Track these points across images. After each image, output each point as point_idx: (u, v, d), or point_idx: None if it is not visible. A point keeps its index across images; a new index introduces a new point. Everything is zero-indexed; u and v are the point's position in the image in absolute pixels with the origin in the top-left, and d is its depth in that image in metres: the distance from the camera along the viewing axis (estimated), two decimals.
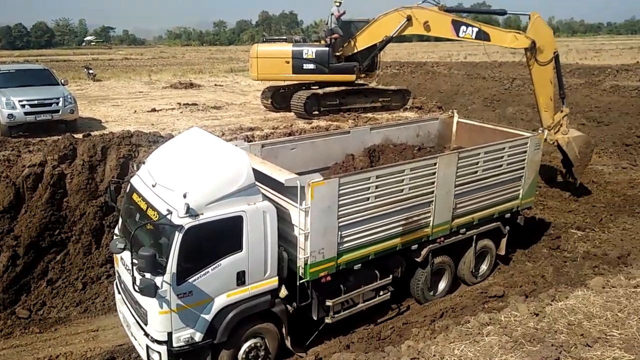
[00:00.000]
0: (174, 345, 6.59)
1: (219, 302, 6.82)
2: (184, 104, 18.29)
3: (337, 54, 15.69)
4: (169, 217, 6.29)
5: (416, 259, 9.15)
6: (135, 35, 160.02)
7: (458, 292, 10.28)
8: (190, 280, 6.48)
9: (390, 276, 8.83)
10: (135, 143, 11.34)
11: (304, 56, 15.63)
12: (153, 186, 7.00)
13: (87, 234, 10.31)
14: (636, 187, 15.26)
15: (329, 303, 8.03)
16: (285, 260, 7.41)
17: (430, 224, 8.98)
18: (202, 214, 6.43)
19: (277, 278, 7.34)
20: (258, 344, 7.45)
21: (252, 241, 6.91)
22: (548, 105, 13.38)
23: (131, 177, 8.00)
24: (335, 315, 8.19)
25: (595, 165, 17.05)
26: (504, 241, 10.68)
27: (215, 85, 26.48)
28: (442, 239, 9.34)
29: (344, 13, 15.60)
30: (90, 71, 29.19)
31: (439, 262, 9.66)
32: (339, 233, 7.72)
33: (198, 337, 6.76)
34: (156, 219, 6.48)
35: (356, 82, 16.68)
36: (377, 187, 7.98)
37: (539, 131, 10.92)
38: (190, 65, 46.87)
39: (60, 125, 13.11)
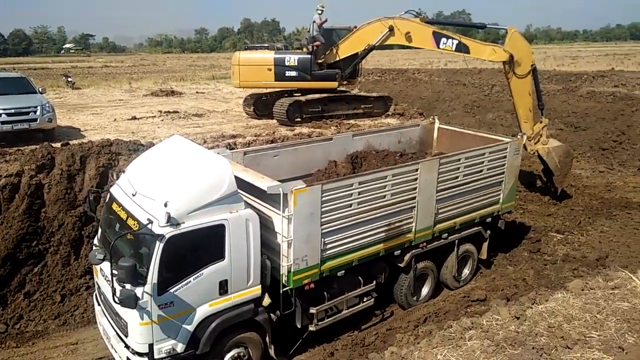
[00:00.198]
0: (156, 357, 6.49)
1: (201, 312, 6.74)
2: (165, 112, 18.13)
3: (319, 61, 15.73)
4: (149, 226, 6.21)
5: (399, 265, 9.18)
6: (116, 42, 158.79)
7: (441, 296, 10.34)
8: (171, 291, 6.40)
9: (374, 282, 8.84)
10: (115, 152, 11.20)
11: (286, 63, 15.65)
12: (133, 195, 6.92)
13: (65, 244, 10.12)
14: (613, 191, 15.58)
15: (312, 310, 8.00)
16: (268, 268, 7.36)
17: (413, 230, 9.03)
18: (184, 222, 6.36)
19: (260, 286, 7.28)
20: (241, 354, 7.38)
21: (235, 250, 6.86)
22: (527, 116, 13.68)
23: (111, 186, 7.90)
24: (319, 323, 8.16)
25: (574, 169, 17.34)
26: (485, 245, 10.79)
27: (197, 92, 26.33)
28: (424, 244, 9.39)
29: (325, 21, 15.67)
30: (69, 79, 28.81)
31: (422, 267, 9.71)
32: (322, 240, 7.71)
33: (180, 348, 6.66)
34: (136, 228, 6.39)
35: (338, 89, 16.73)
36: (359, 193, 8.01)
37: (518, 137, 11.09)
38: (172, 72, 46.59)
39: (37, 135, 12.88)
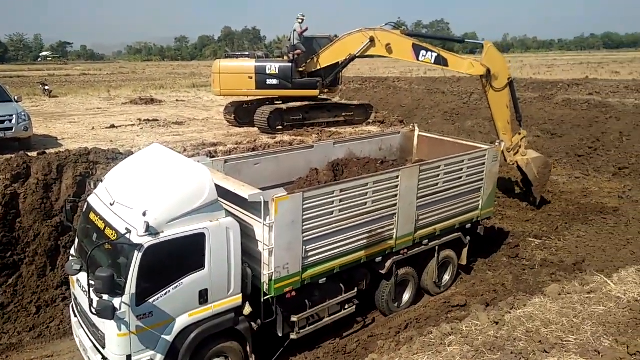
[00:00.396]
0: None
1: (181, 322, 6.66)
2: (144, 120, 17.95)
3: (300, 69, 15.80)
4: (127, 236, 6.13)
5: (380, 271, 9.21)
6: (94, 50, 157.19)
7: (422, 302, 10.40)
8: (150, 301, 6.31)
9: (355, 289, 8.86)
10: (92, 160, 11.05)
11: (267, 72, 15.67)
12: (111, 205, 6.82)
13: (41, 255, 9.93)
14: (589, 196, 15.90)
15: (294, 319, 7.97)
16: (249, 276, 7.32)
17: (394, 236, 9.08)
18: (163, 232, 6.29)
19: (240, 295, 7.23)
20: None
21: (215, 258, 6.81)
22: (506, 128, 13.96)
23: (88, 195, 7.78)
24: (301, 331, 8.13)
25: (551, 175, 17.68)
26: (465, 251, 10.90)
27: (177, 100, 26.15)
28: (405, 250, 9.44)
29: (306, 29, 15.76)
30: (46, 87, 28.33)
31: (403, 273, 9.76)
32: (304, 248, 7.70)
33: (159, 359, 6.55)
34: (114, 238, 6.30)
35: (319, 97, 16.81)
36: (341, 200, 8.03)
37: (496, 144, 11.27)
38: (151, 80, 46.19)
39: (13, 144, 12.61)
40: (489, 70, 13.37)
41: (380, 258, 9.07)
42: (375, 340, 8.75)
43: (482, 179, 10.59)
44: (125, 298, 6.10)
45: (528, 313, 6.38)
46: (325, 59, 15.46)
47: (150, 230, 6.16)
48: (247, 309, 7.37)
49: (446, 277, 10.89)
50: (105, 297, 6.01)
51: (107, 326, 6.26)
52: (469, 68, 13.61)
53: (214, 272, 6.83)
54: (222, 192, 7.35)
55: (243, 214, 7.72)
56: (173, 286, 6.48)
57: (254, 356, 7.59)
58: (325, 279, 8.20)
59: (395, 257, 9.27)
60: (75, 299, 7.48)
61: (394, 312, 9.80)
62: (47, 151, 11.68)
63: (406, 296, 10.13)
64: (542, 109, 23.46)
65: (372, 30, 14.23)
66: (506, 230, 13.48)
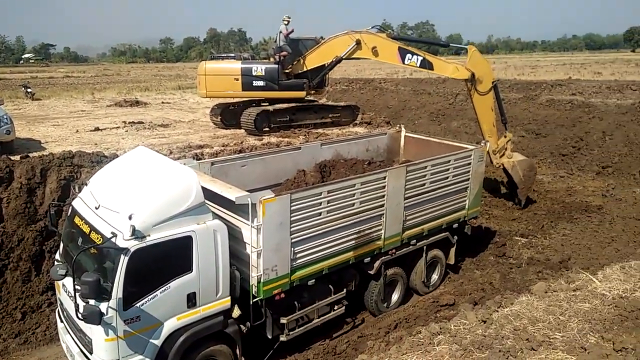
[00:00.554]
0: None
1: (169, 326, 6.60)
2: (129, 123, 17.79)
3: (287, 71, 15.79)
4: (113, 240, 6.06)
5: (369, 272, 9.23)
6: (78, 52, 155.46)
7: (411, 302, 10.44)
8: (137, 305, 6.25)
9: (345, 290, 8.86)
10: (77, 164, 10.92)
11: (254, 73, 15.64)
12: (96, 208, 6.74)
13: (25, 260, 9.78)
14: (573, 195, 16.12)
15: (283, 321, 7.95)
16: (237, 279, 7.28)
17: (382, 237, 9.11)
18: (149, 235, 6.24)
19: (229, 298, 7.19)
20: None
21: (203, 261, 6.76)
22: (491, 131, 14.11)
23: (73, 199, 7.68)
24: (290, 333, 8.11)
25: (535, 177, 17.88)
26: (453, 251, 10.97)
27: (163, 102, 25.96)
28: (393, 250, 9.47)
29: (292, 31, 15.76)
30: (29, 90, 27.89)
31: (392, 273, 9.79)
32: (292, 249, 7.69)
33: None
34: (100, 242, 6.23)
35: (306, 98, 16.81)
36: (328, 202, 8.03)
37: (482, 144, 11.36)
38: (136, 82, 45.77)
39: None
40: (473, 74, 13.51)
41: (369, 259, 9.08)
42: (364, 340, 8.76)
43: (468, 179, 10.67)
44: (112, 302, 6.03)
45: (515, 311, 6.44)
46: (312, 61, 15.48)
47: (136, 234, 6.10)
48: (236, 312, 7.33)
49: (434, 277, 10.95)
50: (92, 301, 5.93)
51: (94, 331, 6.18)
52: (454, 72, 13.75)
53: (202, 275, 6.79)
54: (209, 194, 7.31)
55: (230, 216, 7.68)
56: (160, 290, 6.43)
57: (243, 359, 7.55)
58: (314, 280, 8.19)
59: (383, 258, 9.30)
60: (61, 304, 7.38)
61: (383, 313, 9.82)
62: (31, 155, 11.52)
63: (395, 296, 10.16)
64: (527, 109, 23.73)
65: (358, 33, 14.28)
66: (493, 230, 13.60)
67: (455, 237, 10.90)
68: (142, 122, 18.00)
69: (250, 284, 7.41)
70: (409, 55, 13.81)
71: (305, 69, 15.64)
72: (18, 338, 9.19)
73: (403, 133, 12.73)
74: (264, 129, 15.78)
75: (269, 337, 7.95)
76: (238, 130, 16.47)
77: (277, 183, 10.06)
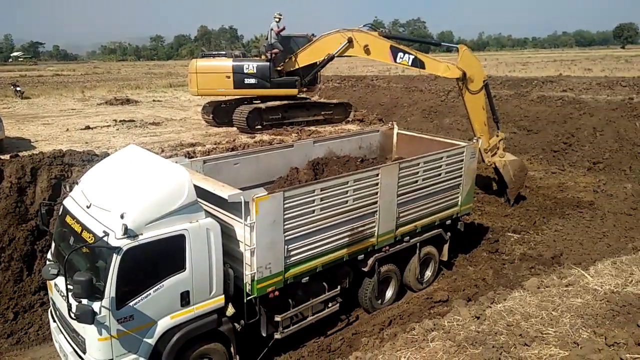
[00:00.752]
0: None
1: (163, 324, 6.58)
2: (120, 121, 17.68)
3: (278, 68, 15.75)
4: (105, 239, 6.02)
5: (363, 269, 9.24)
6: (67, 50, 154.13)
7: (405, 299, 10.47)
8: (130, 304, 6.21)
9: (338, 287, 8.87)
10: (67, 163, 10.83)
11: (245, 71, 15.59)
12: (88, 207, 6.69)
13: (17, 260, 9.70)
14: (565, 191, 16.22)
15: (277, 318, 7.94)
16: (231, 277, 7.26)
17: (376, 234, 9.11)
18: (142, 234, 6.20)
19: (223, 296, 7.17)
20: None
21: (196, 260, 6.73)
22: (483, 129, 14.17)
23: (64, 198, 7.61)
24: (285, 330, 8.11)
25: (528, 171, 17.97)
26: (446, 247, 11.01)
27: (154, 100, 25.81)
28: (387, 247, 9.49)
29: (283, 28, 15.72)
30: (18, 88, 27.65)
31: (385, 270, 9.80)
32: (286, 247, 7.67)
33: None
34: (92, 241, 6.18)
35: (298, 96, 16.78)
36: (322, 199, 8.02)
37: (474, 140, 11.39)
38: (127, 80, 45.49)
39: None
40: (464, 73, 13.55)
41: (363, 256, 9.08)
42: (359, 337, 8.79)
43: (460, 176, 10.71)
44: (105, 302, 5.99)
45: (508, 307, 6.46)
46: (304, 58, 15.45)
47: (128, 233, 6.07)
48: (230, 310, 7.32)
49: (428, 273, 10.99)
50: (85, 301, 5.90)
51: (87, 331, 6.14)
52: (445, 71, 13.78)
53: (195, 273, 6.76)
54: (202, 192, 7.28)
55: (223, 214, 7.66)
56: (154, 289, 6.40)
57: (238, 357, 7.54)
58: (308, 277, 8.19)
59: (377, 255, 9.31)
60: (54, 304, 7.33)
61: (377, 309, 9.84)
62: (20, 154, 11.42)
63: (389, 293, 10.18)
64: (518, 105, 23.82)
65: (350, 31, 14.27)
66: (485, 226, 13.66)
67: (449, 234, 10.94)
68: (133, 121, 17.89)
69: (244, 282, 7.40)
70: (400, 54, 13.83)
71: (297, 67, 15.60)
72: (10, 338, 9.12)
73: (395, 130, 12.75)
74: (256, 127, 15.74)
75: (264, 335, 7.94)
76: (230, 128, 16.42)
77: (269, 181, 10.03)
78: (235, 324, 7.50)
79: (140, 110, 21.77)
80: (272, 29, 15.64)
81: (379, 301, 9.97)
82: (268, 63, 15.60)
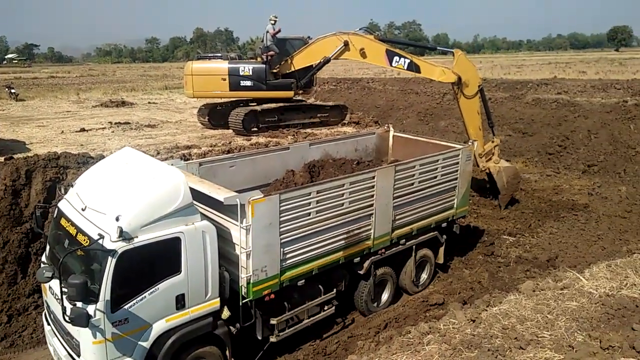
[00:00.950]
0: None
1: (158, 328, 6.55)
2: (115, 123, 17.63)
3: (274, 71, 15.77)
4: (100, 241, 5.99)
5: (359, 272, 9.23)
6: (62, 52, 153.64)
7: (401, 302, 10.46)
8: (125, 307, 6.18)
9: (334, 290, 8.85)
10: (62, 165, 10.79)
11: (241, 73, 15.59)
12: (83, 210, 6.66)
13: (11, 263, 9.64)
14: (560, 193, 16.28)
15: (273, 321, 7.92)
16: (226, 280, 7.24)
17: (372, 236, 9.11)
18: (137, 237, 6.18)
19: (218, 299, 7.15)
20: None
21: (192, 263, 6.71)
22: (477, 134, 14.24)
23: (59, 201, 7.58)
24: (280, 334, 8.09)
25: (522, 174, 18.04)
26: (441, 250, 11.02)
27: (149, 103, 25.75)
28: (383, 250, 9.48)
29: (279, 31, 15.73)
30: (12, 90, 27.50)
31: (381, 273, 9.80)
32: (282, 250, 7.66)
33: None
34: (87, 244, 6.15)
35: (294, 98, 16.79)
36: (318, 202, 8.01)
37: (469, 143, 11.43)
38: (122, 83, 45.38)
39: None
40: (460, 78, 13.60)
41: (359, 258, 9.08)
42: (355, 340, 8.78)
43: (456, 178, 10.73)
44: (100, 305, 5.96)
45: (504, 310, 6.47)
46: (299, 61, 15.47)
47: (123, 236, 6.04)
48: (226, 313, 7.29)
49: (424, 276, 10.99)
50: (79, 304, 5.87)
51: (81, 334, 6.11)
52: (441, 75, 13.82)
53: (191, 276, 6.74)
54: (197, 195, 7.26)
55: (219, 217, 7.64)
56: (149, 292, 6.37)
57: None
58: (304, 280, 8.17)
59: (373, 257, 9.31)
60: (48, 306, 7.29)
61: (373, 312, 9.83)
62: (15, 156, 11.36)
63: (385, 296, 10.18)
64: (513, 108, 23.91)
65: (346, 34, 14.30)
66: (481, 229, 13.69)
67: (444, 237, 10.95)
68: (129, 123, 17.84)
69: (240, 285, 7.37)
70: (396, 58, 13.87)
71: (293, 69, 15.63)
72: (4, 341, 9.07)
73: (391, 132, 12.76)
74: (252, 129, 15.73)
75: (259, 338, 7.92)
76: (226, 131, 16.40)
77: (265, 183, 10.02)
78: (231, 327, 7.47)
79: (136, 112, 21.72)
80: (267, 31, 15.66)
81: (375, 304, 9.96)
82: (264, 65, 15.61)
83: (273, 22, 15.64)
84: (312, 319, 8.61)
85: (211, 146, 13.73)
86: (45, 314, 7.69)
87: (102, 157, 10.79)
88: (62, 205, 7.21)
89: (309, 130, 16.12)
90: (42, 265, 7.45)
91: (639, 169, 17.33)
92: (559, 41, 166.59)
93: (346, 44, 14.19)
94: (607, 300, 6.34)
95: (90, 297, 5.93)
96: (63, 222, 6.90)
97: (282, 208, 7.48)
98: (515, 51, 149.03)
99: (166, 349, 6.61)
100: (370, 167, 10.03)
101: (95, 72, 70.96)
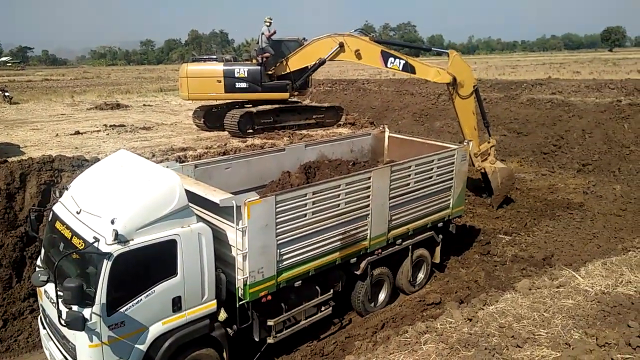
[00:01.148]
0: None
1: (155, 330, 6.52)
2: (110, 126, 17.57)
3: (270, 72, 15.76)
4: (96, 244, 5.97)
5: (356, 272, 9.24)
6: (56, 55, 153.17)
7: (398, 301, 10.47)
8: (121, 310, 6.16)
9: (331, 291, 8.85)
10: (57, 168, 10.75)
11: (236, 75, 15.58)
12: (78, 213, 6.64)
13: (6, 266, 9.59)
14: (555, 192, 16.35)
15: (270, 323, 7.91)
16: (223, 282, 7.23)
17: (368, 237, 9.12)
18: (132, 239, 6.16)
19: (215, 301, 7.13)
20: None
21: (188, 265, 6.70)
22: (472, 134, 14.31)
23: (53, 204, 7.55)
24: (278, 335, 8.07)
25: (518, 173, 18.13)
26: (438, 249, 11.04)
27: (144, 105, 25.69)
28: (379, 250, 9.49)
29: (274, 33, 15.74)
30: (6, 93, 27.40)
31: (378, 273, 9.81)
32: (278, 251, 7.66)
33: None
34: (82, 247, 6.12)
35: (289, 99, 16.79)
36: (314, 203, 8.01)
37: (464, 143, 11.45)
38: (117, 85, 45.26)
39: None
40: (455, 78, 13.64)
41: (355, 259, 9.09)
42: (352, 341, 8.77)
43: (452, 178, 10.75)
44: (96, 308, 5.94)
45: (500, 309, 6.49)
46: (295, 63, 15.48)
47: (119, 238, 6.02)
48: (222, 315, 7.28)
49: (420, 276, 11.00)
50: (75, 307, 5.84)
51: (77, 337, 6.08)
52: (436, 76, 13.87)
53: (187, 278, 6.72)
54: (193, 197, 7.24)
55: (215, 219, 7.62)
56: (145, 294, 6.35)
57: None
58: (300, 281, 8.17)
59: (369, 258, 9.31)
60: (44, 310, 7.25)
61: (370, 313, 9.83)
62: (9, 159, 11.30)
63: (382, 296, 10.18)
64: (508, 108, 24.01)
65: (341, 35, 14.32)
66: (477, 228, 13.72)
67: (440, 236, 10.97)
68: (124, 125, 17.79)
69: (237, 286, 7.36)
70: (391, 59, 13.91)
71: (288, 71, 15.63)
72: (0, 346, 9.00)
73: (387, 133, 12.78)
74: (248, 131, 15.72)
75: (256, 339, 7.90)
76: (221, 133, 16.38)
77: (261, 185, 10.02)
78: (228, 329, 7.46)
79: (131, 114, 21.66)
80: (263, 33, 15.66)
81: (372, 304, 9.97)
82: (259, 67, 15.60)
83: (268, 24, 15.65)
84: (309, 319, 8.60)
85: (207, 148, 13.71)
86: (40, 318, 7.64)
87: (97, 160, 10.77)
88: (57, 208, 7.17)
89: (304, 132, 16.12)
90: (37, 269, 7.41)
91: (633, 168, 17.44)
92: (553, 42, 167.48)
93: (341, 45, 14.22)
94: (602, 297, 6.36)
95: (86, 300, 5.90)
96: (58, 225, 6.86)
97: (278, 209, 7.47)
98: (509, 52, 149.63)
99: (163, 352, 6.59)
100: (366, 168, 10.04)
101: (89, 74, 70.78)
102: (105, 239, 6.00)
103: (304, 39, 15.92)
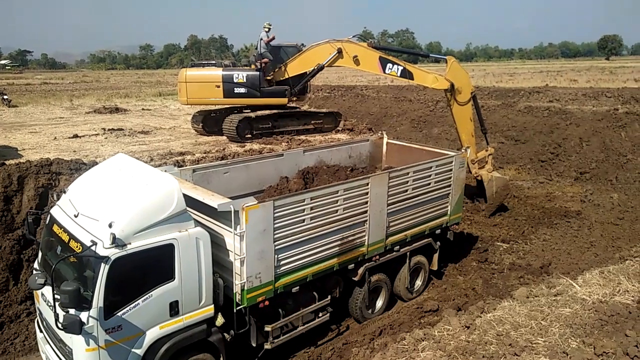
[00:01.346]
0: None
1: (151, 335, 6.50)
2: (109, 129, 17.58)
3: (268, 78, 15.81)
4: (93, 248, 5.95)
5: (353, 278, 9.22)
6: (56, 59, 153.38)
7: (395, 308, 10.45)
8: (119, 314, 6.14)
9: (329, 297, 8.83)
10: (55, 171, 10.73)
11: (235, 80, 15.62)
12: (75, 216, 6.62)
13: (3, 269, 9.55)
14: (553, 200, 16.37)
15: (267, 328, 7.89)
16: (220, 287, 7.21)
17: (366, 243, 9.11)
18: (130, 243, 6.14)
19: (212, 306, 7.11)
20: None
21: (185, 269, 6.68)
22: (470, 140, 14.35)
23: (51, 207, 7.53)
24: (275, 340, 8.05)
25: (516, 180, 18.17)
26: (435, 256, 11.03)
27: (143, 109, 25.71)
28: (377, 257, 9.48)
29: (273, 38, 15.80)
30: (5, 97, 27.42)
31: (376, 280, 9.79)
32: (276, 256, 7.64)
33: None
34: (79, 250, 6.10)
35: (288, 105, 16.82)
36: (312, 208, 8.00)
37: (462, 150, 11.48)
38: (116, 89, 45.29)
39: None
40: (452, 85, 13.70)
41: (353, 265, 9.07)
42: (349, 347, 8.74)
43: (450, 185, 10.76)
44: (93, 312, 5.91)
45: (498, 317, 6.49)
46: (293, 68, 15.53)
47: (116, 242, 6.01)
48: (220, 320, 7.25)
49: (418, 283, 10.99)
50: (72, 311, 5.81)
51: (74, 341, 6.05)
52: (434, 82, 13.93)
53: (185, 283, 6.70)
54: (191, 202, 7.24)
55: (213, 223, 7.61)
56: (142, 298, 6.33)
57: None
58: (298, 287, 8.15)
59: (367, 264, 9.30)
60: (41, 313, 7.22)
61: (367, 319, 9.81)
62: (7, 162, 11.28)
63: (379, 302, 10.16)
64: (505, 116, 24.07)
65: (339, 41, 14.38)
66: (475, 235, 13.73)
67: (438, 243, 10.96)
68: (122, 129, 17.79)
69: (234, 291, 7.34)
70: (389, 65, 13.96)
71: (286, 76, 15.68)
72: None
73: (385, 140, 12.80)
74: (246, 136, 15.74)
75: (253, 345, 7.87)
76: (220, 137, 16.39)
77: (259, 190, 10.01)
78: (225, 334, 7.43)
79: (129, 118, 21.66)
80: (261, 39, 15.71)
81: (370, 311, 9.95)
82: (258, 72, 15.65)
83: (267, 29, 15.70)
84: (306, 325, 8.57)
85: (205, 153, 13.71)
86: (37, 321, 7.60)
87: (95, 163, 10.74)
88: (55, 211, 7.16)
89: (302, 137, 16.15)
90: (34, 272, 7.38)
91: (630, 176, 17.47)
92: (550, 50, 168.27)
93: (340, 51, 14.28)
94: (600, 306, 6.37)
95: (83, 304, 5.88)
96: (55, 228, 6.85)
97: (276, 215, 7.47)
98: (507, 59, 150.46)
99: (160, 356, 6.56)
100: (364, 174, 10.05)
101: (88, 78, 70.85)
102: (102, 242, 5.99)
103: (302, 44, 15.99)
